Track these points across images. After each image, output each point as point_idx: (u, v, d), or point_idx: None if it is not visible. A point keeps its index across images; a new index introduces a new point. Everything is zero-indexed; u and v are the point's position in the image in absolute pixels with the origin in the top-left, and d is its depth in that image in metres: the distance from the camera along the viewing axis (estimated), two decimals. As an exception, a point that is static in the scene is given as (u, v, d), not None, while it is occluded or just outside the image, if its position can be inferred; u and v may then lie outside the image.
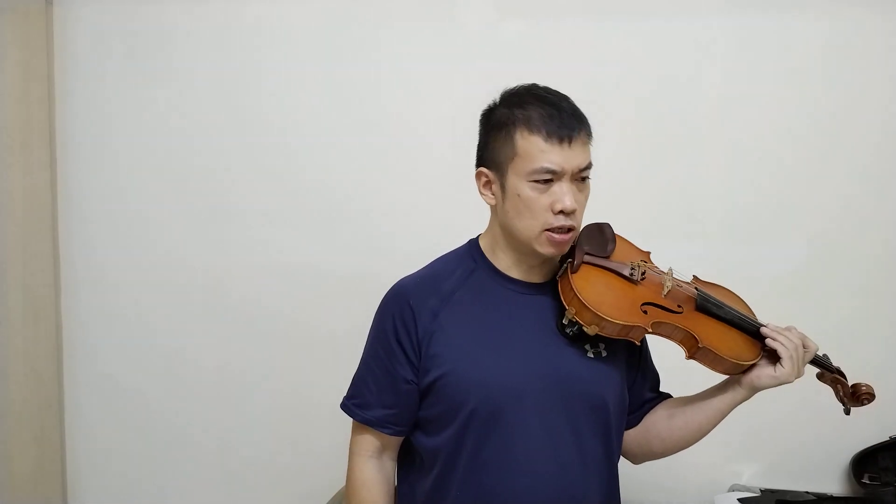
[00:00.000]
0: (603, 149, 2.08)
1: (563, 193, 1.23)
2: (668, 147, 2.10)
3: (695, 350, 1.29)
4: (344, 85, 2.19)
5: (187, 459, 2.33)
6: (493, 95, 1.34)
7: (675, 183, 2.10)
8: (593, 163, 1.30)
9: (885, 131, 2.04)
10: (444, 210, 2.08)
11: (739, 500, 1.97)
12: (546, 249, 1.27)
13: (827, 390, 1.45)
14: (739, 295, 1.42)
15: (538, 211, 1.24)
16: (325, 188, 2.22)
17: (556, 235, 1.25)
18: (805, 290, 2.06)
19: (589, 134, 1.29)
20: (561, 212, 1.24)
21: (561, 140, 1.23)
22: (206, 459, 2.33)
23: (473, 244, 1.39)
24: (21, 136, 2.22)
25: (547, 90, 1.30)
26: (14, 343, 2.22)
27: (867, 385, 1.37)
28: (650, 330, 1.28)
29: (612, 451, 1.36)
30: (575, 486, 1.29)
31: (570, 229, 1.26)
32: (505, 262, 1.34)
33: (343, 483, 1.44)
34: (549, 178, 1.23)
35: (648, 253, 1.40)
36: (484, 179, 1.32)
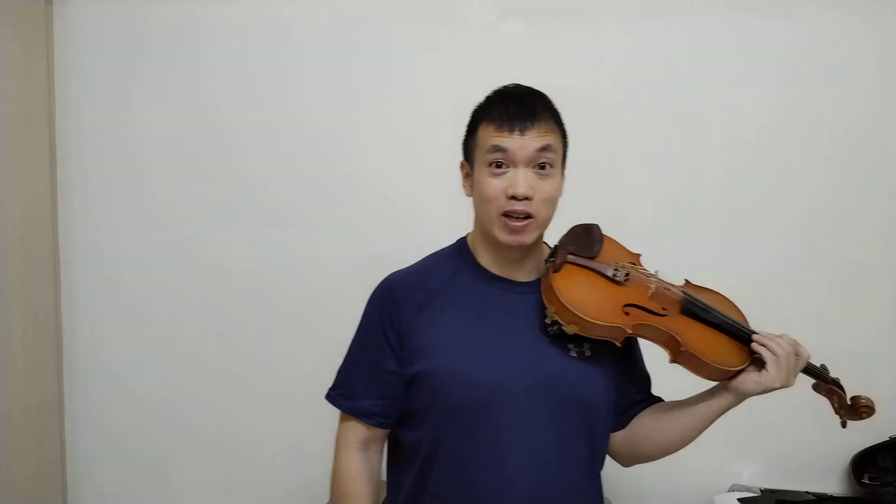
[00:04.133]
0: (602, 148, 2.11)
1: (516, 178, 1.25)
2: (667, 146, 2.10)
3: (677, 353, 1.28)
4: (343, 84, 2.19)
5: (188, 459, 2.33)
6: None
7: (674, 183, 2.11)
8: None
9: (882, 132, 2.04)
10: (446, 208, 2.07)
11: (739, 500, 1.97)
12: (503, 236, 1.28)
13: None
14: (734, 302, 1.39)
15: (494, 196, 1.26)
16: (328, 185, 2.22)
17: (511, 221, 1.26)
18: (803, 291, 2.07)
19: (550, 127, 1.29)
20: (514, 197, 1.25)
21: (512, 129, 1.25)
22: (206, 459, 2.32)
23: (462, 242, 1.41)
24: (21, 136, 2.22)
25: (517, 87, 1.33)
26: (14, 343, 2.22)
27: (867, 398, 1.34)
28: (630, 332, 1.27)
29: (595, 451, 1.36)
30: (554, 484, 1.29)
31: (527, 216, 1.26)
32: (486, 259, 1.36)
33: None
34: (502, 163, 1.26)
35: (638, 255, 1.39)
36: (465, 171, 1.36)
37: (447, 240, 1.44)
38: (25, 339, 2.25)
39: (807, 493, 2.01)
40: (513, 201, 1.25)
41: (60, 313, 2.34)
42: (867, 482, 1.99)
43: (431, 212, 2.12)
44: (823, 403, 1.57)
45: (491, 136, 1.26)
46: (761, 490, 2.02)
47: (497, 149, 1.25)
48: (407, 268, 1.40)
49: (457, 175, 1.39)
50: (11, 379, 2.22)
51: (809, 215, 2.07)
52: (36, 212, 2.26)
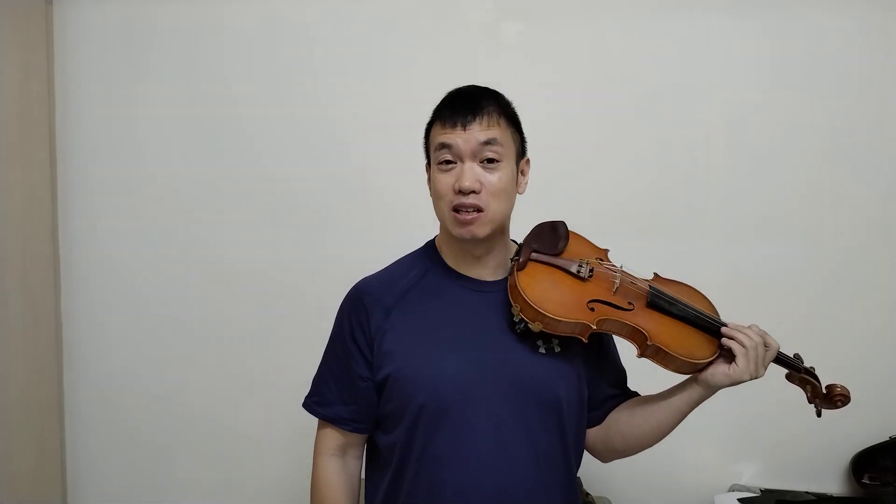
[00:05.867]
0: (602, 148, 2.11)
1: (462, 172, 1.27)
2: (668, 146, 2.10)
3: (644, 347, 1.28)
4: (345, 84, 2.19)
5: (187, 458, 2.33)
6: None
7: (674, 183, 2.11)
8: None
9: (880, 130, 2.04)
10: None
11: (739, 500, 1.97)
12: (455, 229, 1.30)
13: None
14: (705, 293, 1.39)
15: (444, 192, 1.30)
16: (325, 188, 2.22)
17: (459, 215, 1.28)
18: (802, 290, 2.07)
19: (495, 121, 1.29)
20: (460, 191, 1.27)
21: (454, 125, 1.28)
22: (206, 458, 2.33)
23: (430, 244, 1.43)
24: (21, 136, 2.22)
25: (467, 87, 1.35)
26: (14, 343, 2.22)
27: (842, 386, 1.31)
28: (595, 327, 1.27)
29: (568, 447, 1.35)
30: (526, 481, 1.29)
31: (476, 209, 1.28)
32: (451, 258, 1.38)
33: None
34: (449, 159, 1.29)
35: (606, 251, 1.39)
36: (427, 175, 1.39)
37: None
38: (25, 339, 2.25)
39: (807, 493, 2.01)
40: (461, 195, 1.27)
41: (60, 313, 2.34)
42: (867, 482, 1.99)
43: (433, 212, 2.12)
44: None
45: (438, 135, 1.30)
46: (761, 490, 2.02)
47: (443, 145, 1.29)
48: (377, 272, 1.42)
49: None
50: (11, 379, 2.23)
51: (808, 214, 2.07)
52: (36, 212, 2.27)
